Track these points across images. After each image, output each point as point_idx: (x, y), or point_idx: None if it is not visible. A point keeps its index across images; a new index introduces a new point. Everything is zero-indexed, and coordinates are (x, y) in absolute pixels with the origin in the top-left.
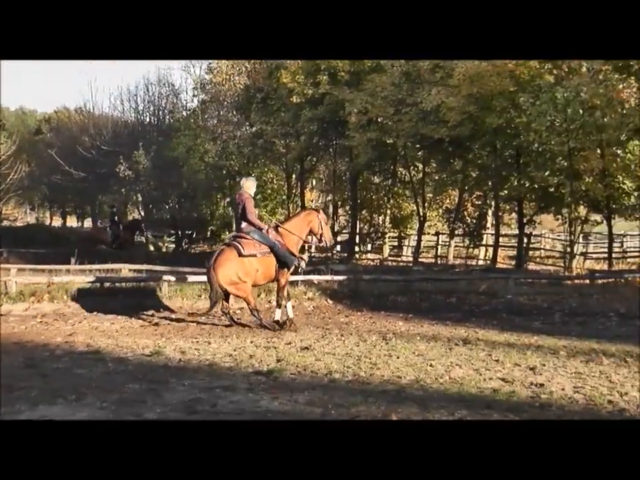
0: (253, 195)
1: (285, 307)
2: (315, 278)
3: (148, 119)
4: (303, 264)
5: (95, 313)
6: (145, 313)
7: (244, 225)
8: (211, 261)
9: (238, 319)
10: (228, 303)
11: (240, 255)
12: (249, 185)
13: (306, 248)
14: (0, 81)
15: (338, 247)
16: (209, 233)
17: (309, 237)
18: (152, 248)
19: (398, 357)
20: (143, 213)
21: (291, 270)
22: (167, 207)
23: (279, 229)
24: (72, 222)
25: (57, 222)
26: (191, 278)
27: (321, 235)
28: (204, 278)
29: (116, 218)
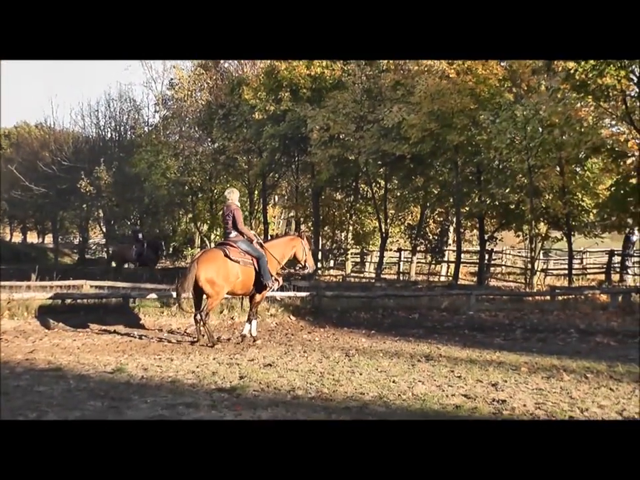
0: (239, 205)
1: (251, 323)
2: (277, 294)
3: (109, 135)
4: (275, 285)
5: (56, 329)
6: (106, 329)
7: (233, 234)
8: (195, 256)
9: (203, 335)
10: (200, 305)
11: (226, 256)
12: (234, 197)
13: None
14: (0, 81)
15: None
16: (171, 249)
17: (287, 262)
18: (114, 264)
19: (361, 374)
20: (104, 229)
21: (267, 290)
22: (129, 222)
23: (262, 246)
24: (33, 238)
25: (17, 238)
26: (152, 295)
27: (305, 261)
28: (166, 294)
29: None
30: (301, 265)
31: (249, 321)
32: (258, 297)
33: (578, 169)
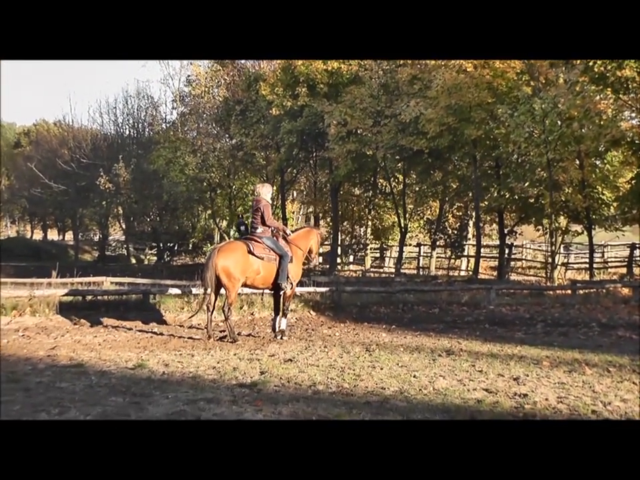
0: (269, 201)
1: (274, 319)
2: (297, 290)
3: (127, 132)
4: (289, 288)
5: (79, 325)
6: (127, 325)
7: (260, 229)
8: (217, 245)
9: (221, 331)
10: (216, 299)
11: (249, 252)
12: (265, 192)
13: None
14: (0, 81)
15: (320, 259)
16: (190, 245)
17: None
18: (134, 260)
19: (382, 368)
20: (124, 226)
21: (289, 285)
22: (148, 219)
23: (287, 240)
24: (53, 235)
25: (38, 235)
26: (172, 290)
27: (314, 254)
28: (186, 290)
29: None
30: (310, 257)
31: (284, 315)
32: (288, 292)
33: (598, 162)
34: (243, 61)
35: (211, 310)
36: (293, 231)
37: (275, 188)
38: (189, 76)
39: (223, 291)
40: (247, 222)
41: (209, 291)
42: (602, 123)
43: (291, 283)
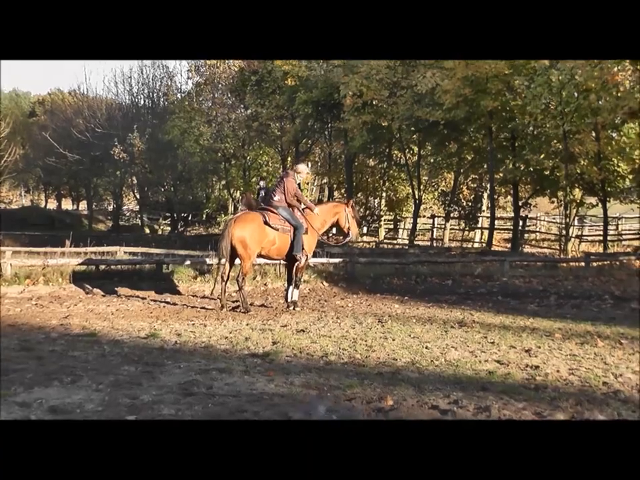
0: (296, 181)
1: (287, 290)
2: (311, 261)
3: (142, 102)
4: (303, 260)
5: (92, 295)
6: (140, 295)
7: (276, 198)
8: (233, 216)
9: (234, 301)
10: (231, 269)
11: (265, 222)
12: (300, 169)
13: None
14: (0, 81)
15: (334, 230)
16: (204, 216)
17: (332, 229)
18: (147, 230)
19: (394, 339)
20: (138, 196)
21: (304, 257)
22: (162, 189)
23: (304, 211)
24: (67, 205)
25: (52, 204)
26: (186, 261)
27: (348, 229)
28: (200, 260)
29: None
30: (344, 233)
31: (296, 287)
32: (302, 263)
33: (614, 135)
34: None
35: (225, 280)
36: (319, 202)
37: (289, 159)
38: None
39: (237, 261)
40: (268, 187)
41: (223, 260)
42: (619, 95)
43: (306, 255)
